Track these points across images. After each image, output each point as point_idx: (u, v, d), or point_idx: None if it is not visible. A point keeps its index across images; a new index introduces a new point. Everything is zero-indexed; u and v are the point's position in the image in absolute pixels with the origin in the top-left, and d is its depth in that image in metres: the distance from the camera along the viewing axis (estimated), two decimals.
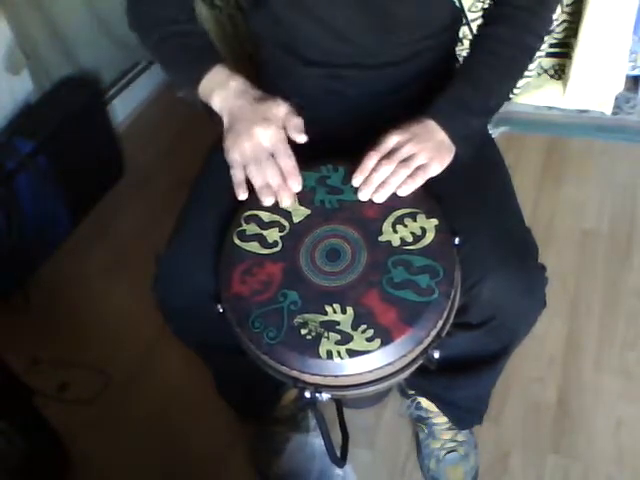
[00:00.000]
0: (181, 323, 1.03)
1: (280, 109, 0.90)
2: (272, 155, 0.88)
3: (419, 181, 0.87)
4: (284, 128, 0.89)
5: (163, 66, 1.02)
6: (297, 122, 0.89)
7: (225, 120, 0.92)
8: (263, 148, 0.88)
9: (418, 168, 0.88)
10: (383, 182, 0.87)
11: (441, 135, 0.90)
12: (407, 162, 0.87)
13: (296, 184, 0.87)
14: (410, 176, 0.87)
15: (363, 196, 0.87)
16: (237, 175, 0.88)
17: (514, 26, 0.96)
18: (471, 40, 1.05)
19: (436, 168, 0.88)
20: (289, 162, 0.87)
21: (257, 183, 0.87)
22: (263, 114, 0.89)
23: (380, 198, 0.87)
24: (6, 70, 1.59)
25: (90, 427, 1.35)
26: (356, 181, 0.88)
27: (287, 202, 0.87)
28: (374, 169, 0.87)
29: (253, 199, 0.90)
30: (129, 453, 1.31)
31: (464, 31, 1.15)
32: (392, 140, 0.89)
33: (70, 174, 1.67)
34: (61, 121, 1.64)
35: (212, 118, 0.96)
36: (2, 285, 1.56)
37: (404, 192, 0.87)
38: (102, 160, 1.83)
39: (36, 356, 1.44)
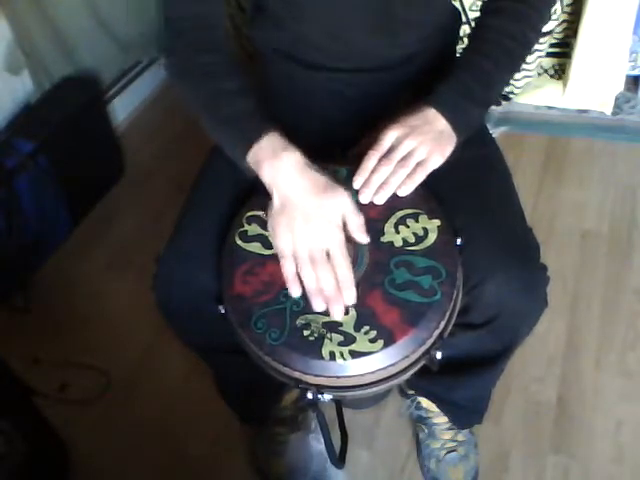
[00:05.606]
0: (182, 324, 1.02)
1: (343, 206, 0.83)
2: (327, 255, 0.81)
3: (419, 178, 0.87)
4: (344, 225, 0.83)
5: (209, 130, 0.93)
6: (359, 222, 0.83)
7: (276, 197, 0.84)
8: (320, 247, 0.81)
9: (418, 164, 0.87)
10: (383, 183, 0.86)
11: (442, 124, 0.89)
12: (406, 159, 0.86)
13: (351, 297, 0.80)
14: (410, 174, 0.86)
15: (364, 199, 0.86)
16: (289, 268, 0.82)
17: (513, 18, 0.95)
18: (470, 31, 1.04)
19: (437, 160, 0.87)
20: (346, 272, 0.80)
21: (310, 285, 0.81)
22: (325, 211, 0.82)
23: (381, 199, 0.86)
24: (6, 70, 1.59)
25: (90, 427, 1.35)
26: (356, 183, 0.87)
27: (339, 315, 0.79)
28: (374, 170, 0.86)
29: (254, 200, 0.90)
30: (129, 453, 1.31)
31: (464, 30, 1.16)
32: (390, 136, 0.87)
33: (70, 174, 1.67)
34: (61, 121, 1.64)
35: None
36: (2, 285, 1.56)
37: (404, 192, 0.86)
38: (102, 160, 1.83)
39: (36, 356, 1.44)
